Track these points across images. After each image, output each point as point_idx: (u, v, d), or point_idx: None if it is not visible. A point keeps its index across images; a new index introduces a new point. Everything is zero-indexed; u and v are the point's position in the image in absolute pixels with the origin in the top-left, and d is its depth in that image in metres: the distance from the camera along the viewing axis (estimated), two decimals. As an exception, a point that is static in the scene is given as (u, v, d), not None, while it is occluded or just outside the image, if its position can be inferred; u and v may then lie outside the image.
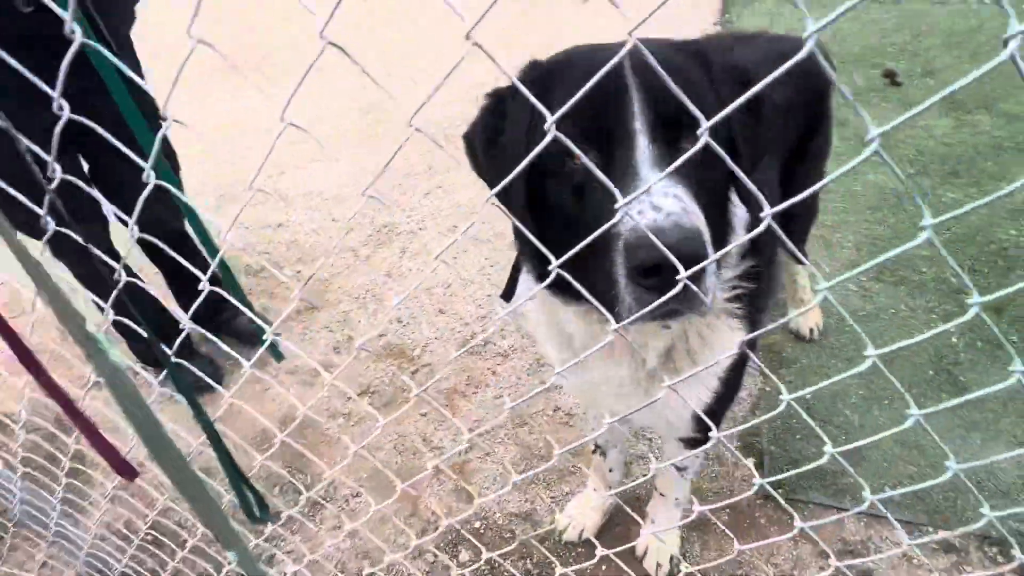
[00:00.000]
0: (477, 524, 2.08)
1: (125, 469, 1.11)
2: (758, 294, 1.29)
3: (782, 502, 1.03)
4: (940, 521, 1.94)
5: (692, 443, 1.52)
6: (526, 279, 1.26)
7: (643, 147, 0.88)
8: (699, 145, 0.58)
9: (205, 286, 0.87)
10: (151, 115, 2.24)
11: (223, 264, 0.97)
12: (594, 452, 1.92)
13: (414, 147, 3.97)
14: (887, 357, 2.21)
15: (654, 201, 0.78)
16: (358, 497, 2.19)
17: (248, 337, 2.72)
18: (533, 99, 0.62)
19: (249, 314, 1.08)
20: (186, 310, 1.02)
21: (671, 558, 1.91)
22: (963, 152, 3.38)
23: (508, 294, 1.26)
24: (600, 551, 1.22)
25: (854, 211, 3.10)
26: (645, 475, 2.16)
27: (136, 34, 2.14)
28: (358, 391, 2.54)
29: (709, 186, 0.96)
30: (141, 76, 2.11)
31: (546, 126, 0.61)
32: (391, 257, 3.17)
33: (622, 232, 0.79)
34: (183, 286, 2.62)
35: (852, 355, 2.43)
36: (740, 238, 1.13)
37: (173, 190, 0.81)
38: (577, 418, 2.32)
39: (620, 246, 0.80)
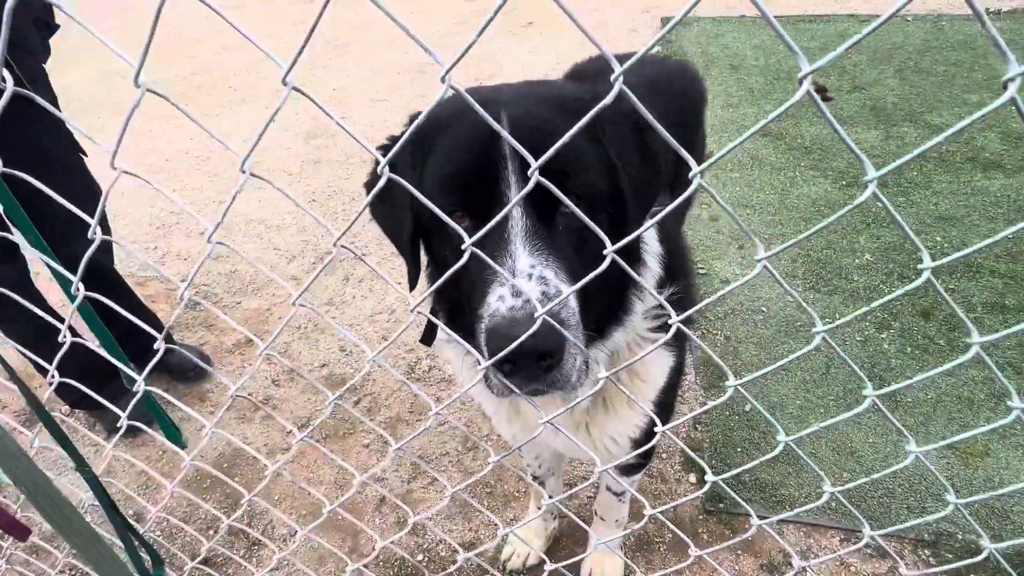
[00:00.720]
0: (420, 557, 2.03)
1: (14, 527, 1.05)
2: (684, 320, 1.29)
3: (738, 501, 1.02)
4: (876, 527, 1.98)
5: (630, 469, 1.52)
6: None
7: (516, 218, 0.82)
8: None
9: (66, 336, 0.83)
10: (71, 148, 2.17)
11: (86, 312, 0.91)
12: (533, 481, 1.90)
13: (361, 171, 3.93)
14: (822, 367, 2.27)
15: (516, 284, 0.76)
16: (296, 535, 2.12)
17: (184, 374, 2.63)
18: (401, 181, 0.61)
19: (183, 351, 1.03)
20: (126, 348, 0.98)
21: (615, 580, 1.89)
22: (890, 163, 3.50)
23: (428, 339, 1.20)
24: (549, 566, 1.20)
25: (788, 222, 3.18)
26: (591, 495, 2.16)
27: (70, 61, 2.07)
28: (299, 424, 2.48)
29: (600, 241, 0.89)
30: (58, 108, 2.05)
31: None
32: (334, 285, 3.11)
33: (484, 316, 0.78)
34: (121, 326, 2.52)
35: (790, 366, 2.47)
36: (650, 273, 1.14)
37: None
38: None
39: (483, 328, 0.78)
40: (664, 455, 2.22)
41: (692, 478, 2.15)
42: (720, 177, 3.54)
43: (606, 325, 1.05)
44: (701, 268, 2.96)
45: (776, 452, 0.82)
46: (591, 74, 1.92)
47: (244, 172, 0.61)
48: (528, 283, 0.77)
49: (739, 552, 1.95)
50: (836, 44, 3.95)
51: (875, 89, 4.21)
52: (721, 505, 2.05)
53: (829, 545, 1.95)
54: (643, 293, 1.10)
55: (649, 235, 1.11)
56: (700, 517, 2.05)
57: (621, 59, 1.95)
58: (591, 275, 0.62)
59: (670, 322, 0.71)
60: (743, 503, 0.96)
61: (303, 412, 2.53)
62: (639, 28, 5.34)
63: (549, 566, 1.21)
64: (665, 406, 1.41)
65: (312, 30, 0.49)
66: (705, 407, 1.09)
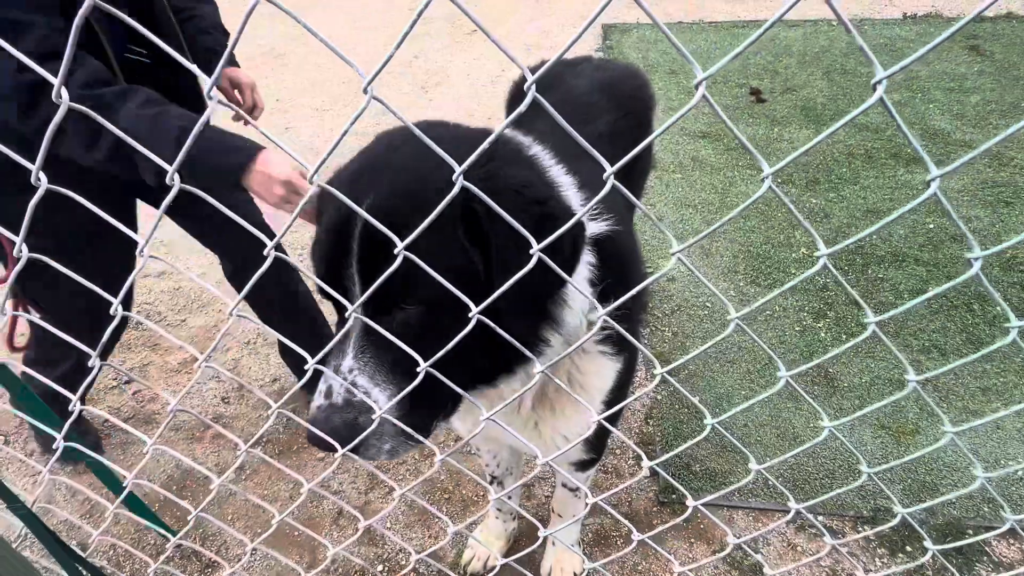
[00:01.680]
0: (380, 567, 2.02)
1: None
2: (630, 329, 1.30)
3: (691, 498, 1.06)
4: (820, 508, 2.08)
5: (582, 465, 1.55)
6: None
7: (356, 315, 0.81)
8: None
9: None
10: None
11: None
12: (491, 483, 1.92)
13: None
14: (764, 358, 2.35)
15: (330, 384, 0.89)
16: (254, 554, 2.08)
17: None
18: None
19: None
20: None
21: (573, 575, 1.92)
22: (822, 161, 3.69)
23: None
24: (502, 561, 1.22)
25: (730, 222, 3.30)
26: (549, 495, 2.19)
27: None
28: (251, 441, 2.42)
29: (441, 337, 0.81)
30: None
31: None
32: (283, 298, 3.07)
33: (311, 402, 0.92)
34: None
35: (734, 358, 2.57)
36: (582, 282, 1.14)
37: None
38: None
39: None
40: (618, 451, 2.28)
41: (647, 472, 2.21)
42: (663, 179, 3.64)
43: (509, 367, 1.02)
44: (647, 267, 3.04)
45: (703, 435, 0.87)
46: (541, 83, 1.94)
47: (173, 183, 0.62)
48: (339, 387, 0.88)
49: (692, 540, 2.01)
50: (768, 49, 4.14)
51: (805, 91, 4.41)
52: (674, 496, 2.11)
53: (776, 529, 2.03)
54: (570, 307, 1.07)
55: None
56: (654, 509, 2.10)
57: (570, 63, 1.96)
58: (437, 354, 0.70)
59: (596, 318, 0.74)
60: (677, 485, 1.01)
61: (254, 429, 2.49)
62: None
63: (501, 561, 1.24)
64: (613, 404, 1.44)
65: (236, 37, 0.50)
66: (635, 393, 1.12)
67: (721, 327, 2.69)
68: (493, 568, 1.99)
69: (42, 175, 0.55)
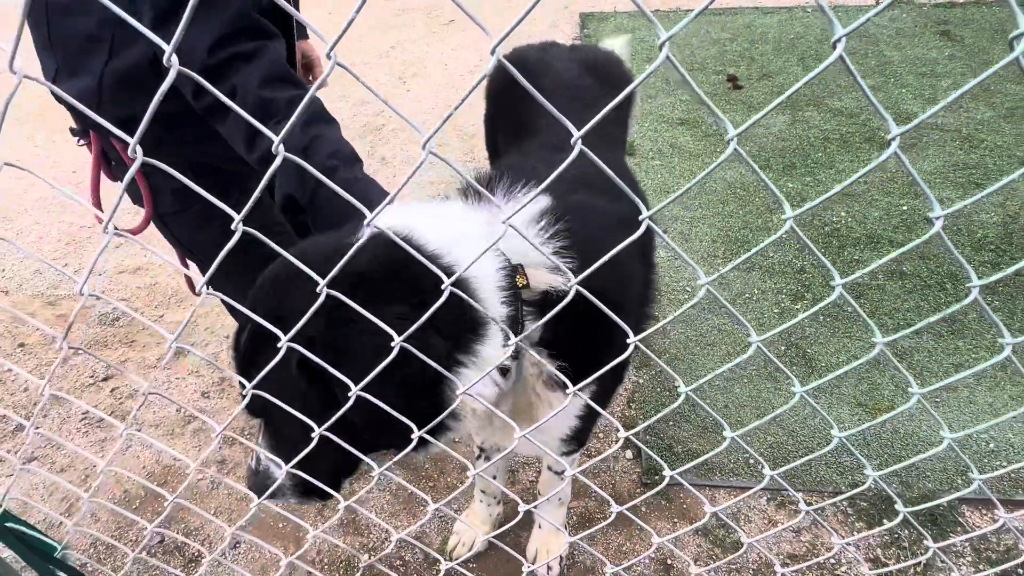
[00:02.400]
0: (366, 556, 2.02)
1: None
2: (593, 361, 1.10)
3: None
4: (799, 485, 2.11)
5: (567, 452, 1.57)
6: None
7: None
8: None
9: None
10: None
11: None
12: (478, 458, 1.93)
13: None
14: (743, 338, 2.37)
15: (258, 457, 1.18)
16: (236, 548, 2.07)
17: None
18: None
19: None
20: None
21: (560, 559, 1.94)
22: (798, 146, 3.72)
23: None
24: (488, 539, 1.22)
25: (708, 206, 3.32)
26: (534, 479, 2.21)
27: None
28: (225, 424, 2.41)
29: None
30: None
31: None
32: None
33: None
34: None
35: (715, 340, 2.60)
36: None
37: None
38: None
39: None
40: (601, 434, 2.29)
41: (629, 454, 2.23)
42: (642, 165, 3.66)
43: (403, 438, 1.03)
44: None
45: (678, 403, 0.88)
46: (532, 63, 1.92)
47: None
48: (254, 458, 1.18)
49: (676, 520, 2.04)
50: (744, 35, 4.16)
51: (781, 77, 4.45)
52: (657, 478, 2.13)
53: (758, 506, 2.07)
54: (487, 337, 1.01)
55: (483, 283, 1.03)
56: (638, 491, 2.12)
57: (541, 48, 1.93)
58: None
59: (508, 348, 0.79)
60: (655, 456, 1.02)
61: (237, 423, 2.47)
62: (559, 23, 5.44)
63: (485, 539, 1.24)
64: (590, 410, 1.41)
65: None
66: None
67: (703, 311, 2.72)
68: (480, 553, 2.00)
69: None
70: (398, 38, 5.53)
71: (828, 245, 3.01)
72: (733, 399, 2.36)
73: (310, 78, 2.02)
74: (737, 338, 2.59)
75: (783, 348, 2.54)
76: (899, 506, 1.00)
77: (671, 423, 2.30)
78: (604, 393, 1.49)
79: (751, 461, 2.16)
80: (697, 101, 4.22)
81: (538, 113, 1.72)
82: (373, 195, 1.24)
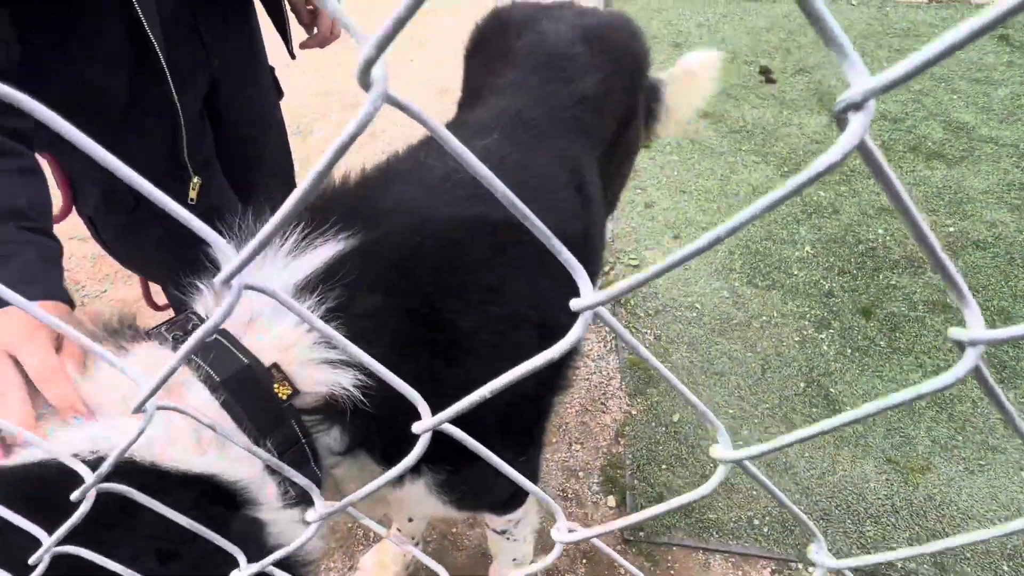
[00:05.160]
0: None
1: None
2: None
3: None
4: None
5: (503, 507, 1.23)
6: None
7: None
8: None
9: None
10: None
11: None
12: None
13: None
14: (758, 371, 1.91)
15: None
16: None
17: None
18: None
19: None
20: None
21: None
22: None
23: None
24: None
25: (728, 210, 2.96)
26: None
27: None
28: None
29: None
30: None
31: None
32: (220, 272, 2.72)
33: None
34: None
35: (724, 369, 2.25)
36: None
37: None
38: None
39: None
40: (581, 474, 1.96)
41: (611, 501, 1.90)
42: (657, 160, 3.28)
43: None
44: (632, 259, 2.70)
45: (720, 478, 0.53)
46: (514, 21, 1.56)
47: None
48: None
49: (660, 588, 1.71)
50: (782, 25, 3.72)
51: (819, 72, 4.04)
52: (641, 534, 1.80)
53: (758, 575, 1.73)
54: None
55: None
56: (618, 547, 1.79)
57: (546, 7, 1.46)
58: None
59: None
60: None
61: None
62: None
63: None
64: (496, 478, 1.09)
65: None
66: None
67: (712, 333, 2.36)
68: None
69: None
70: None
71: (862, 266, 2.63)
72: (740, 442, 2.01)
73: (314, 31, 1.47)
74: (749, 368, 2.24)
75: (802, 385, 2.19)
76: None
77: (664, 466, 1.96)
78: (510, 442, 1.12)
79: (755, 521, 1.82)
80: (723, 97, 3.83)
81: (488, 79, 1.37)
82: (11, 270, 0.79)
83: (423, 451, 0.38)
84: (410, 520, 1.60)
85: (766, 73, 4.00)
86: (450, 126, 1.27)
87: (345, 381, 0.75)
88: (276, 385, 0.73)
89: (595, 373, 2.25)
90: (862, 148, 0.21)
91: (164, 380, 0.36)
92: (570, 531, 0.44)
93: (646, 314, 2.46)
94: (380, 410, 0.78)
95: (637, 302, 2.49)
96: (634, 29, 1.66)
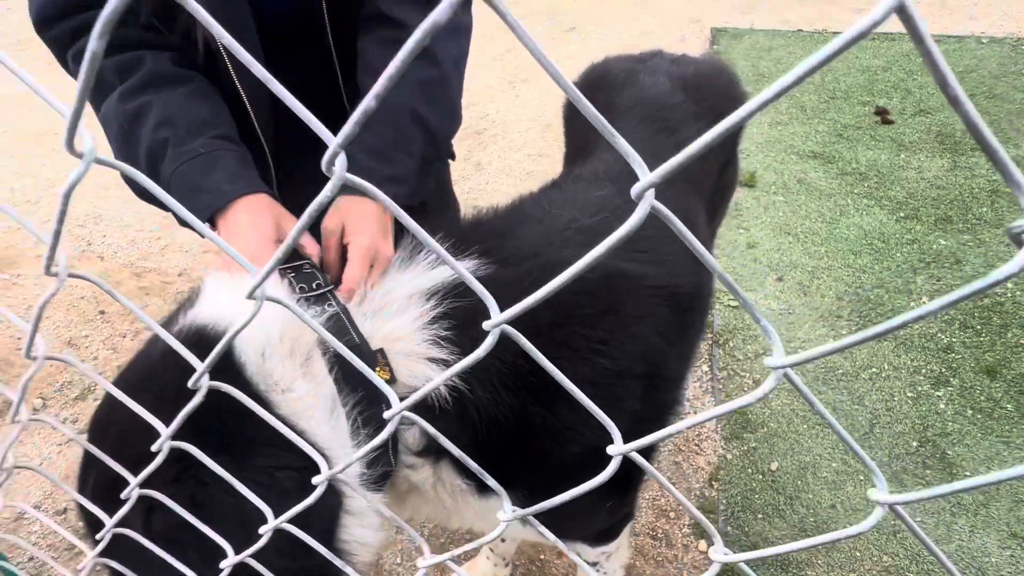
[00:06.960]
0: (383, 608, 1.79)
1: None
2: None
3: None
4: (920, 627, 1.66)
5: (596, 538, 1.25)
6: None
7: None
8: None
9: None
10: None
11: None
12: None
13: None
14: (865, 425, 1.86)
15: None
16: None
17: None
18: None
19: None
20: None
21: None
22: (957, 196, 3.15)
23: None
24: None
25: (836, 255, 2.85)
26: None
27: None
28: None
29: None
30: None
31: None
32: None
33: None
34: None
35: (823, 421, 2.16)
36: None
37: None
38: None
39: None
40: (672, 514, 1.94)
41: (702, 545, 1.86)
42: (761, 200, 3.23)
43: None
44: (732, 301, 2.66)
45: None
46: (614, 75, 1.64)
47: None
48: None
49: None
50: (900, 64, 3.60)
51: (942, 114, 3.83)
52: (734, 582, 1.75)
53: (861, 644, 1.64)
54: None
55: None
56: (708, 594, 1.75)
57: (639, 59, 1.53)
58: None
59: None
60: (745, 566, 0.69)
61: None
62: (688, 37, 5.05)
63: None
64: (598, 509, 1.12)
65: None
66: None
67: (815, 382, 2.28)
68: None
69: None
70: (515, 42, 5.36)
71: (987, 322, 2.46)
72: (843, 499, 1.93)
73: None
74: (855, 419, 2.14)
75: (915, 444, 2.06)
76: None
77: (760, 515, 1.91)
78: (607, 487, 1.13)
79: (859, 584, 1.73)
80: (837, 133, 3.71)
81: (591, 135, 1.43)
82: (218, 172, 0.94)
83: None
84: (503, 540, 1.65)
85: (882, 113, 3.84)
86: (564, 178, 1.34)
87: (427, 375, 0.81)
88: (378, 369, 0.79)
89: (689, 413, 2.23)
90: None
91: (270, 271, 0.46)
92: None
93: (745, 357, 2.41)
94: (475, 422, 0.84)
95: (736, 344, 2.45)
96: (730, 75, 1.68)
